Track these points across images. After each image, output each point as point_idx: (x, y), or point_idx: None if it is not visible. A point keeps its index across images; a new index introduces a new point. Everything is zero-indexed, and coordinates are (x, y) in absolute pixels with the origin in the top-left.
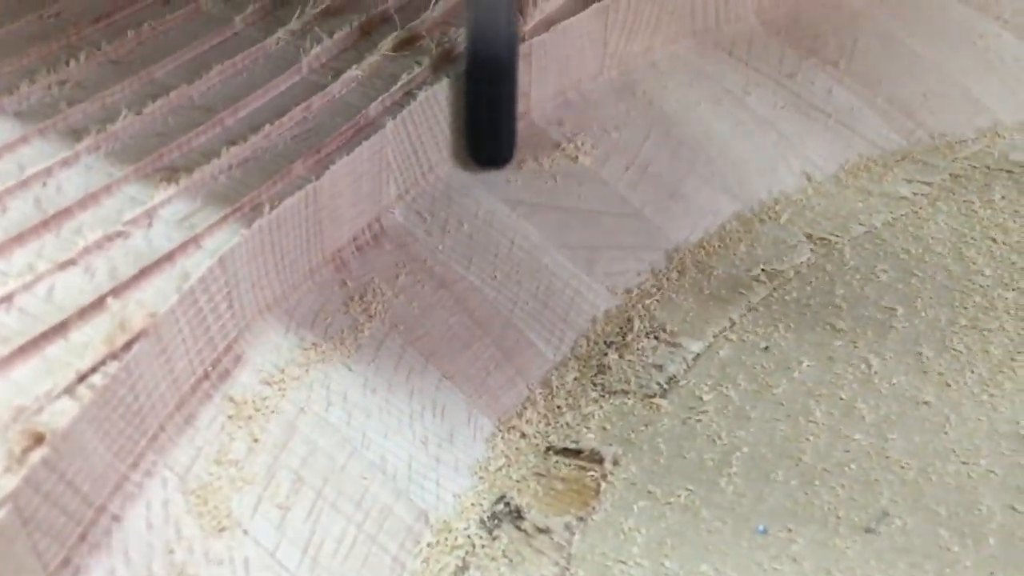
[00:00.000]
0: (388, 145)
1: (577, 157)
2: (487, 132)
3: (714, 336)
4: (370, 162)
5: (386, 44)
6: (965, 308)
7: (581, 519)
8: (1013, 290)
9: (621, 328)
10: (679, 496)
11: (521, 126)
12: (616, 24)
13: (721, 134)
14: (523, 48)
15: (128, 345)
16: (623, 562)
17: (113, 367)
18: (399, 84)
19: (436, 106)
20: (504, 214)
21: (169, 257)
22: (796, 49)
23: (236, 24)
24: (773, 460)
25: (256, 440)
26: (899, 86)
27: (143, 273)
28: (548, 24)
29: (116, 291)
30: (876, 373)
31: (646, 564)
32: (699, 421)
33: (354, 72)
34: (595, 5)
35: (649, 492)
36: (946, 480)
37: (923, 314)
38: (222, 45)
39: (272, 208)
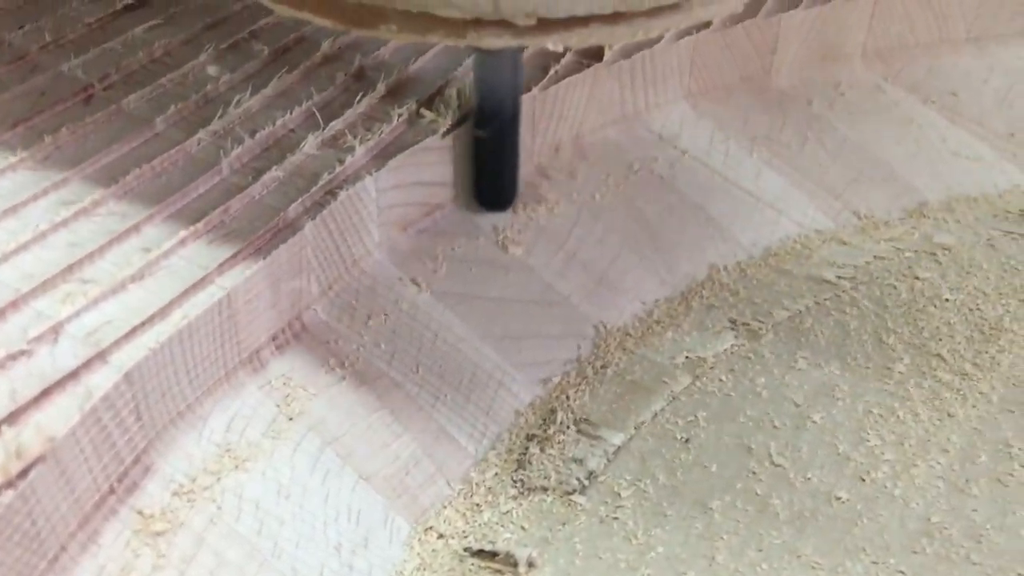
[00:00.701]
0: (308, 245)
1: (506, 246)
2: (491, 177)
3: (635, 428)
4: (289, 264)
5: (308, 142)
6: (882, 397)
7: None
8: (930, 378)
9: (544, 420)
10: None
11: (447, 216)
12: (544, 112)
13: (650, 217)
14: (448, 139)
15: (24, 472)
16: None
17: (8, 496)
18: (320, 183)
19: (359, 201)
20: (429, 306)
21: (73, 375)
22: (725, 132)
23: (157, 125)
24: (687, 560)
25: (162, 556)
26: (827, 168)
27: (45, 394)
28: None
29: (15, 415)
30: (792, 467)
31: None
32: (616, 519)
33: (275, 172)
34: (528, 94)
35: None
36: None
37: (841, 403)
38: (143, 147)
39: (183, 318)
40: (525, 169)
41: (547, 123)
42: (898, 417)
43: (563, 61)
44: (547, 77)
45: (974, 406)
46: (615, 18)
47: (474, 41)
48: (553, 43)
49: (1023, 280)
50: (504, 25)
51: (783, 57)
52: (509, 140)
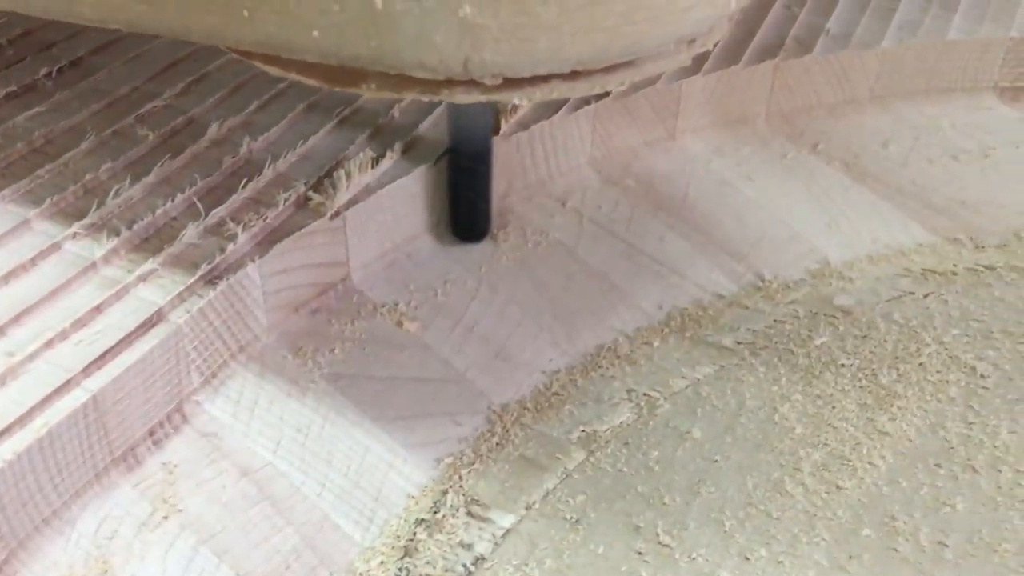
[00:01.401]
0: (185, 338)
1: (401, 323)
2: (466, 210)
3: (526, 508)
4: (164, 359)
5: (189, 231)
6: (771, 469)
7: None
8: (820, 448)
9: (435, 503)
10: None
11: (340, 295)
12: (441, 184)
13: (551, 287)
14: (337, 220)
15: None
16: None
17: None
18: (199, 273)
19: (242, 289)
20: (319, 389)
21: None
22: (630, 198)
23: (31, 220)
24: None
25: None
26: (731, 231)
27: None
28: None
29: None
30: (679, 547)
31: None
32: None
33: (152, 264)
34: (418, 169)
35: None
36: None
37: (730, 477)
38: (15, 243)
39: (44, 425)
40: (423, 241)
41: (446, 194)
42: (786, 490)
43: None
44: (440, 152)
45: (862, 478)
46: (574, 75)
47: (447, 98)
48: (518, 99)
49: (919, 344)
50: (473, 84)
51: (686, 121)
52: (482, 175)
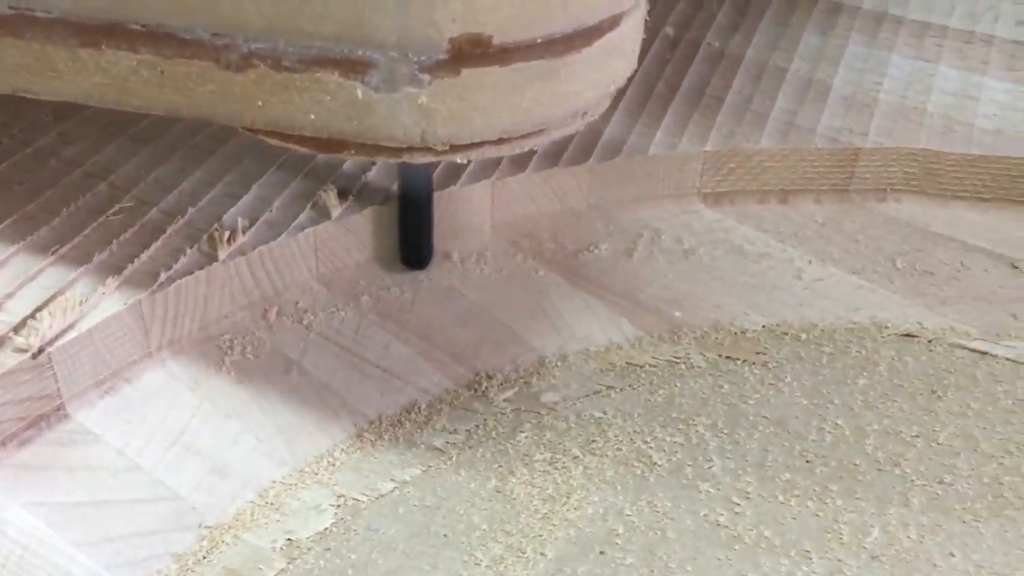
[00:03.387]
0: None
1: (118, 448)
2: (414, 244)
3: None
4: None
5: None
6: (454, 565)
7: None
8: (501, 542)
9: None
10: None
11: (51, 424)
12: (157, 314)
13: (273, 401)
14: (43, 358)
15: None
16: None
17: None
18: None
19: None
20: (24, 521)
21: None
22: (354, 308)
23: None
24: None
25: None
26: (453, 335)
27: None
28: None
29: None
30: None
31: None
32: None
33: None
34: (130, 302)
35: None
36: None
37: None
38: None
39: None
40: (143, 366)
41: (164, 321)
42: None
43: (181, 260)
44: (158, 282)
45: (531, 568)
46: (500, 141)
47: (407, 159)
48: (460, 159)
49: (605, 436)
50: (428, 150)
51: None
52: (425, 214)
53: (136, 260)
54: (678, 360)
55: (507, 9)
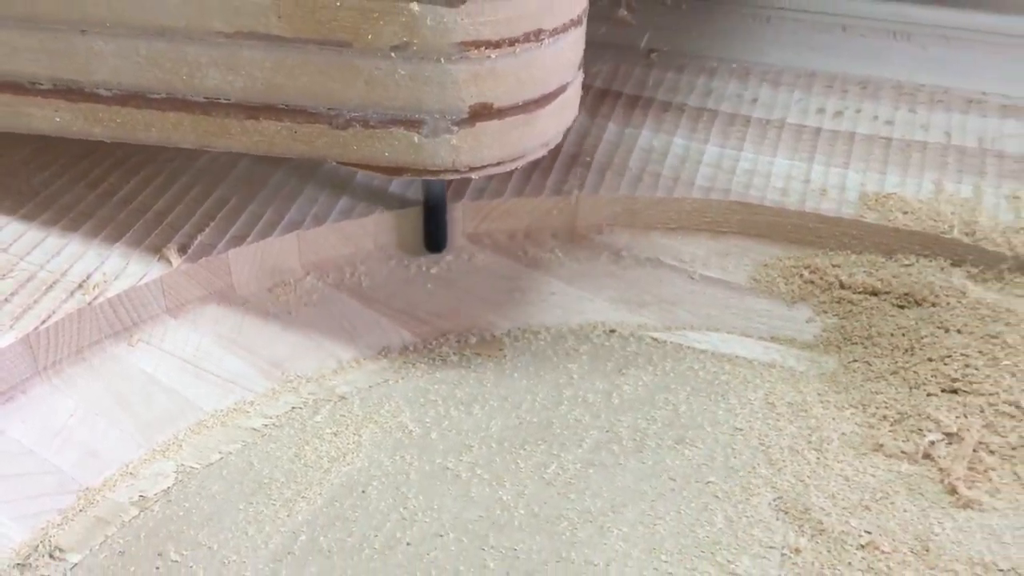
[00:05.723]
0: None
1: (16, 439)
2: (435, 234)
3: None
4: None
5: None
6: None
7: None
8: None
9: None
10: None
11: None
12: (42, 344)
13: (133, 403)
14: None
15: None
16: None
17: None
18: None
19: None
20: None
21: None
22: (199, 334)
23: None
24: None
25: None
26: (276, 351)
27: None
28: None
29: None
30: None
31: None
32: None
33: None
34: (22, 335)
35: None
36: None
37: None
38: None
39: None
40: (34, 381)
41: (48, 348)
42: None
43: (61, 303)
44: (42, 320)
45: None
46: (498, 163)
47: (442, 176)
48: (474, 176)
49: (378, 417)
50: (455, 171)
51: (239, 278)
52: (440, 207)
53: (29, 307)
54: (441, 357)
55: (502, 88)
